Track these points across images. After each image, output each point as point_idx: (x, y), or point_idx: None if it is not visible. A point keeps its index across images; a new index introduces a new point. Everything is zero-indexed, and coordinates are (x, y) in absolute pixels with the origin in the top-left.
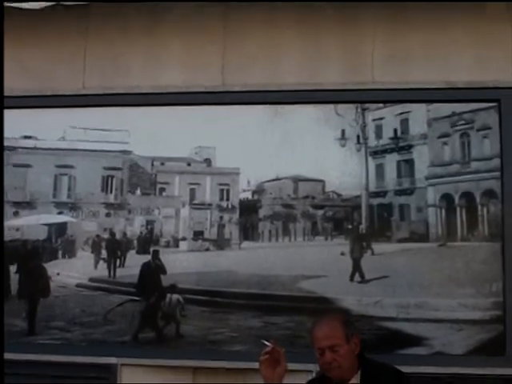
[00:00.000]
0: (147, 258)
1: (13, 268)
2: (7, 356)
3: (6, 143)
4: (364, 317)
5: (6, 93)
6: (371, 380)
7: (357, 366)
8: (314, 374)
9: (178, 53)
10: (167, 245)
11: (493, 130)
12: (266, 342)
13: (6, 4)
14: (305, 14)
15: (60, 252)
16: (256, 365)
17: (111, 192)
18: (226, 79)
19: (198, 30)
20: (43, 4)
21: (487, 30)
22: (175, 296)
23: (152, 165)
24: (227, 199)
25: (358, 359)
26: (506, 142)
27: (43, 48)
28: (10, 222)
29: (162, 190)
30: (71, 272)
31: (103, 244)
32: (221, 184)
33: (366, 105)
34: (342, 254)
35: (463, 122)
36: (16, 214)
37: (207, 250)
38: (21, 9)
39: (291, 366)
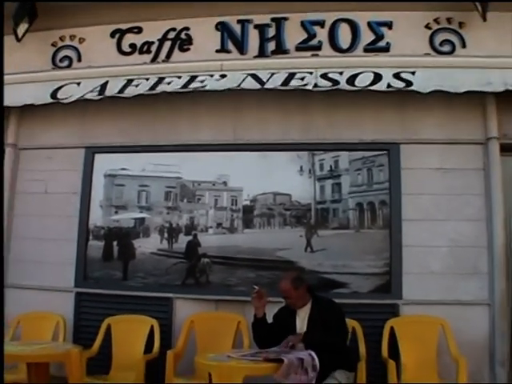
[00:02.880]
0: (190, 238)
1: (115, 243)
2: (112, 292)
3: (111, 173)
4: (312, 271)
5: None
6: (317, 306)
7: (308, 298)
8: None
9: (209, 121)
10: (201, 230)
11: (385, 166)
12: (255, 286)
13: None
14: (282, 100)
15: (141, 234)
16: (250, 298)
17: (170, 200)
18: (236, 137)
19: (220, 110)
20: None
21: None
22: (206, 259)
23: (193, 185)
24: (235, 205)
25: (310, 294)
26: (391, 173)
27: (128, 117)
28: (113, 217)
29: (199, 199)
30: (147, 245)
31: (165, 229)
32: (232, 196)
33: (315, 152)
34: (301, 236)
35: (369, 161)
36: (116, 212)
37: (224, 233)
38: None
39: (270, 299)
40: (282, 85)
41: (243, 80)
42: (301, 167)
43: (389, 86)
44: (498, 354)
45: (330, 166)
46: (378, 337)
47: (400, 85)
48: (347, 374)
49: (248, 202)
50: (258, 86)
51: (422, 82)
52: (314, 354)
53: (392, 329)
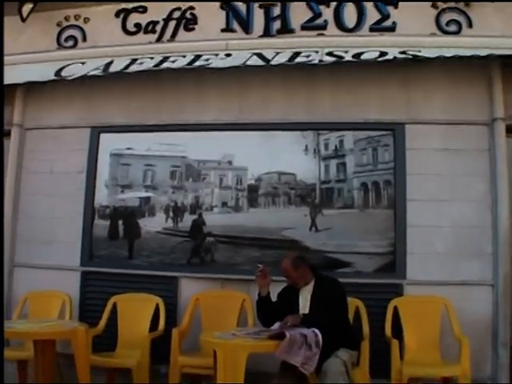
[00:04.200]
0: (195, 216)
1: (120, 222)
2: (117, 270)
3: (117, 152)
4: (317, 251)
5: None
6: (320, 285)
7: (311, 277)
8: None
9: (214, 101)
10: (206, 209)
11: (390, 146)
12: (259, 265)
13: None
14: (287, 79)
15: (146, 213)
16: (254, 277)
17: (175, 180)
18: (241, 116)
19: (225, 90)
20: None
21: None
22: (211, 238)
23: (198, 164)
24: (240, 184)
25: (313, 273)
26: (396, 153)
27: (133, 97)
28: (119, 196)
29: (204, 178)
30: (152, 224)
31: (170, 209)
32: (237, 175)
33: (319, 131)
34: (305, 215)
35: (374, 141)
36: (122, 191)
37: (229, 212)
38: None
39: (274, 278)
40: (288, 61)
41: (248, 58)
42: (306, 147)
43: (395, 58)
44: (500, 334)
45: (335, 146)
46: (381, 316)
47: (407, 56)
48: (350, 353)
49: (253, 182)
50: (263, 63)
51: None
52: (317, 330)
53: (395, 308)
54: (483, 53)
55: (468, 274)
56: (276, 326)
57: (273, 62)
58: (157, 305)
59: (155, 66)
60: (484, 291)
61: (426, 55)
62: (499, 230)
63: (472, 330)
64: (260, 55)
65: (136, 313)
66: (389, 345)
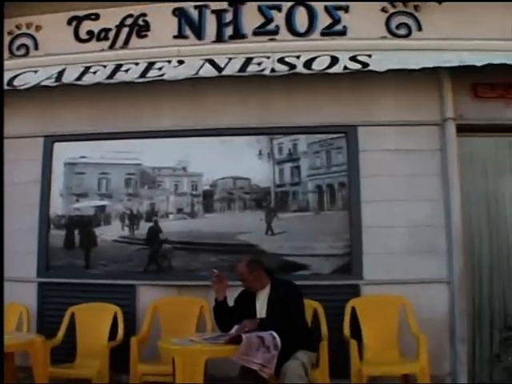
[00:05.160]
0: (151, 224)
1: (76, 231)
2: (74, 280)
3: (71, 161)
4: (273, 254)
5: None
6: (276, 288)
7: (267, 281)
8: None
9: (168, 108)
10: (162, 216)
11: (343, 148)
12: (215, 270)
13: None
14: (240, 85)
15: (102, 222)
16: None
17: (130, 187)
18: (195, 122)
19: (179, 96)
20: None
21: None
22: (167, 245)
23: (153, 171)
24: (196, 190)
25: (269, 277)
26: (350, 156)
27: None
28: (74, 205)
29: (159, 185)
30: (108, 233)
31: (126, 216)
32: (192, 181)
33: (273, 136)
34: (261, 219)
35: (327, 144)
36: (77, 200)
37: (185, 219)
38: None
39: (231, 282)
40: (240, 71)
41: (201, 67)
42: (260, 151)
43: (345, 68)
44: (458, 330)
45: (289, 150)
46: (339, 317)
47: (356, 66)
48: (309, 354)
49: (208, 187)
50: (216, 74)
51: (379, 63)
52: (274, 333)
53: (353, 309)
54: (430, 64)
55: (424, 272)
56: (234, 330)
57: (225, 72)
58: (115, 314)
59: (108, 77)
60: (440, 288)
61: (375, 69)
62: (452, 228)
63: (430, 327)
64: (212, 62)
65: (94, 322)
66: (348, 345)
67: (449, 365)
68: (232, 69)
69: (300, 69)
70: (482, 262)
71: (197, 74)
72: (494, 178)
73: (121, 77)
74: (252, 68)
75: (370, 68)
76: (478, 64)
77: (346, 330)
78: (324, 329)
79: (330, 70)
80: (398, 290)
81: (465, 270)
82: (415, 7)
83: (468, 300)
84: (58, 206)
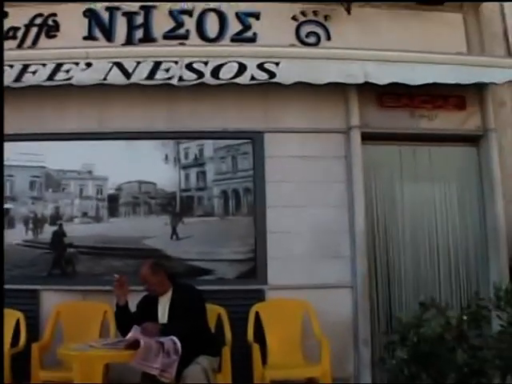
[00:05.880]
0: (55, 228)
1: None
2: None
3: None
4: (178, 259)
5: None
6: (178, 293)
7: (169, 286)
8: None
9: (74, 110)
10: (67, 220)
11: (249, 154)
12: (116, 275)
13: None
14: (147, 89)
15: (5, 225)
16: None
17: (35, 190)
18: (101, 125)
19: (86, 99)
20: None
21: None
22: (72, 249)
23: (58, 174)
24: (101, 194)
25: (171, 281)
26: (255, 161)
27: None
28: None
29: (64, 188)
30: (12, 236)
31: (30, 220)
32: (97, 185)
33: (179, 140)
34: (166, 224)
35: (233, 150)
36: None
37: (89, 223)
38: None
39: (134, 287)
40: (148, 78)
41: (109, 70)
42: (166, 156)
43: (252, 78)
44: (361, 333)
45: (195, 155)
46: (244, 322)
47: (263, 77)
48: (211, 359)
49: (113, 191)
50: (124, 80)
51: (286, 74)
52: (175, 338)
53: (257, 314)
54: (335, 78)
55: (328, 276)
56: (132, 331)
57: (132, 79)
58: (18, 319)
59: (15, 80)
60: (344, 293)
61: (281, 81)
62: (356, 233)
63: (334, 330)
64: (120, 66)
65: None
66: (252, 350)
67: (353, 367)
68: (140, 75)
69: (207, 78)
70: (383, 267)
71: (105, 79)
72: (397, 185)
73: (28, 79)
74: (160, 75)
75: (276, 80)
76: (380, 83)
77: (250, 335)
78: (228, 334)
79: (236, 80)
80: (303, 295)
81: (367, 274)
82: (325, 17)
83: (370, 304)
84: None
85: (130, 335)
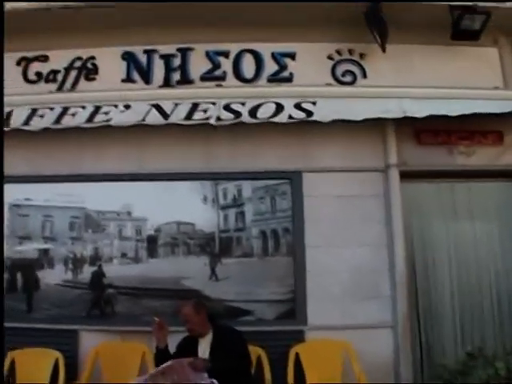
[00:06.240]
0: (95, 268)
1: (18, 274)
2: (15, 325)
3: (15, 203)
4: (217, 300)
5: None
6: (219, 335)
7: (209, 327)
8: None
9: (113, 151)
10: (106, 261)
11: (287, 194)
12: (156, 318)
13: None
14: (185, 130)
15: (45, 265)
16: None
17: (74, 231)
18: (140, 166)
19: (124, 140)
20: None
21: (283, 140)
22: (111, 290)
23: (97, 215)
24: (140, 234)
25: (211, 323)
26: (294, 201)
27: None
28: (17, 248)
29: (103, 229)
30: (51, 276)
31: (69, 260)
32: (136, 226)
33: (218, 181)
34: (205, 264)
35: (272, 190)
36: (20, 243)
37: (128, 263)
38: None
39: (174, 328)
40: (186, 118)
41: (147, 112)
42: (204, 196)
43: (290, 117)
44: (402, 375)
45: (234, 195)
46: (284, 363)
47: (301, 115)
48: None
49: (152, 232)
50: (162, 121)
51: (323, 112)
52: (216, 382)
53: (297, 355)
54: (373, 114)
55: (368, 316)
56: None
57: (171, 119)
58: (56, 359)
59: (55, 122)
60: (384, 333)
61: (319, 119)
62: (396, 272)
63: (374, 371)
64: (159, 107)
65: (35, 368)
66: None
67: None
68: (178, 116)
69: (245, 117)
70: (425, 307)
71: (143, 120)
72: (437, 223)
73: (67, 121)
74: (198, 115)
75: (313, 118)
76: (419, 115)
77: (290, 377)
78: (268, 375)
79: (274, 119)
80: (343, 335)
81: (408, 314)
82: (361, 55)
83: (411, 344)
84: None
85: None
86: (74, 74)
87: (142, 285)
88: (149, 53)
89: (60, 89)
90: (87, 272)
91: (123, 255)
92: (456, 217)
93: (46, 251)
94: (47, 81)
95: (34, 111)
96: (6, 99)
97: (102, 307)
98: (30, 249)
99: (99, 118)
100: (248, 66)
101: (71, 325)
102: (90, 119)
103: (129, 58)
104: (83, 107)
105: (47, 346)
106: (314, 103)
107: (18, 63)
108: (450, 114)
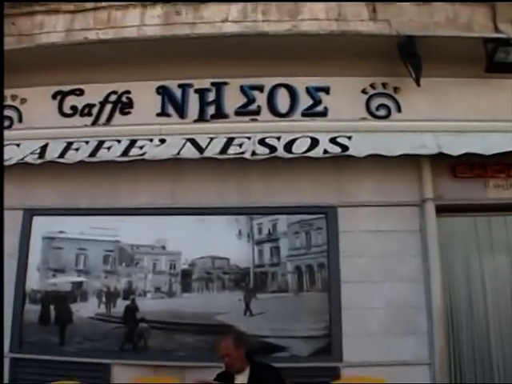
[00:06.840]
0: (128, 302)
1: (51, 307)
2: (48, 357)
3: (49, 235)
4: (251, 335)
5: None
6: (256, 371)
7: (246, 363)
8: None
9: (147, 185)
10: (140, 294)
11: (323, 229)
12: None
13: None
14: (220, 165)
15: (78, 298)
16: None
17: (108, 264)
18: (174, 200)
19: (158, 174)
20: None
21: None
22: (144, 324)
23: (131, 249)
24: (174, 269)
25: (248, 359)
26: (329, 236)
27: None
28: (50, 280)
29: (137, 263)
30: (85, 309)
31: (103, 294)
32: (170, 260)
33: (253, 215)
34: (239, 299)
35: (307, 225)
36: (54, 275)
37: (162, 298)
38: None
39: (209, 364)
40: (221, 152)
41: (182, 146)
42: (239, 231)
43: (325, 151)
44: None
45: (269, 230)
46: None
47: (336, 150)
48: None
49: (186, 266)
50: (197, 155)
51: (358, 147)
52: None
53: None
54: (408, 149)
55: (404, 353)
56: None
57: (206, 153)
58: None
59: (90, 155)
60: (421, 370)
61: (354, 154)
62: (433, 308)
63: None
64: (194, 142)
65: None
66: None
67: None
68: (213, 150)
69: (280, 152)
70: (463, 343)
71: (178, 154)
72: (474, 258)
73: (102, 155)
74: (233, 149)
75: (349, 152)
76: (454, 154)
77: None
78: None
79: (310, 154)
80: (379, 372)
81: (446, 350)
82: (395, 89)
83: (449, 381)
84: (34, 281)
85: None
86: (109, 107)
87: (176, 319)
88: (183, 87)
89: (95, 122)
90: (120, 306)
91: (157, 289)
92: (492, 250)
93: (79, 284)
94: (82, 114)
95: (69, 144)
96: (41, 132)
97: (135, 341)
98: (63, 281)
99: (134, 152)
100: (282, 100)
101: (104, 358)
102: (125, 153)
103: (164, 92)
104: (118, 141)
105: (80, 380)
106: (349, 138)
107: (54, 97)
108: (486, 153)
